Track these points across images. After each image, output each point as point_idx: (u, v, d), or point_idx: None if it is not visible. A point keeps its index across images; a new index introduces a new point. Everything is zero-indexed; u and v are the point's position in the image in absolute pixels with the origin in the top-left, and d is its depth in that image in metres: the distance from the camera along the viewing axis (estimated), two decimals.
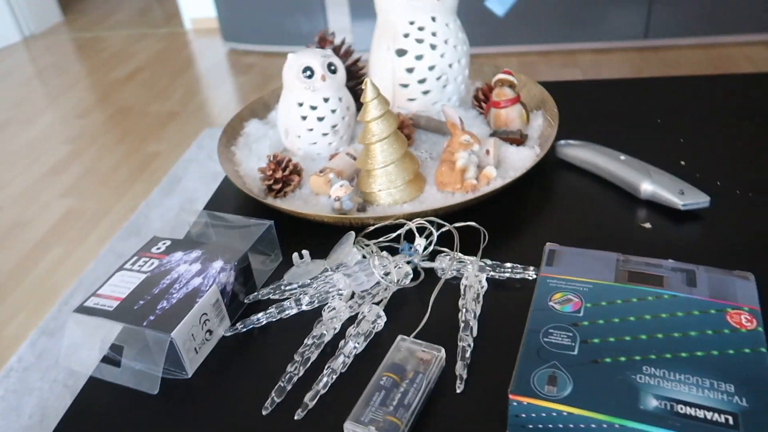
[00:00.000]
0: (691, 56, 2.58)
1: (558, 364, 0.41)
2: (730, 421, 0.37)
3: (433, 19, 0.75)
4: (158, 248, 0.58)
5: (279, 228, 0.68)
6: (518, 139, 0.74)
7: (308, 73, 0.72)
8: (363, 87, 0.64)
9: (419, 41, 0.75)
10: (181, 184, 2.05)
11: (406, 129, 0.75)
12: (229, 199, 0.76)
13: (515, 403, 0.40)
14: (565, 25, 2.66)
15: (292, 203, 0.69)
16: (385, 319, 0.53)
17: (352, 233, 0.60)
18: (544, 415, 0.39)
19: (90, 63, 3.41)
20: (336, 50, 0.84)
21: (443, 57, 0.76)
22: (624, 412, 0.38)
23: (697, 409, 0.38)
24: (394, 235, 0.61)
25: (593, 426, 0.38)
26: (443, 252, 0.59)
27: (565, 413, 0.39)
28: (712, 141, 0.75)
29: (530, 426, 0.41)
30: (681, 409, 0.38)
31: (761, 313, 0.44)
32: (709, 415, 0.37)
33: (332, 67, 0.73)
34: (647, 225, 0.62)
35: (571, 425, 0.39)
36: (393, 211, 0.65)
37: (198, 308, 0.51)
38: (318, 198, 0.69)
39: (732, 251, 0.57)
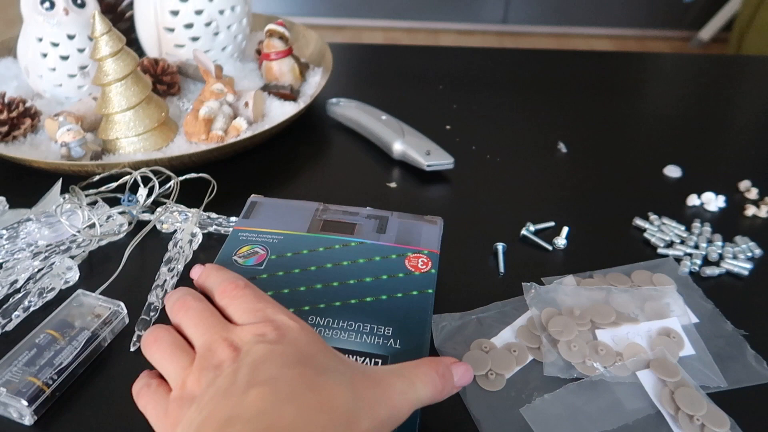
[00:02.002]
0: (543, 43, 2.70)
1: None
2: (379, 364, 0.37)
3: None
4: None
5: (4, 175, 0.61)
6: (287, 94, 0.70)
7: (47, 4, 0.64)
8: (90, 20, 0.57)
9: None
10: None
11: (168, 76, 0.69)
12: None
13: None
14: (430, 2, 2.68)
15: (19, 149, 0.62)
16: (77, 272, 0.48)
17: (60, 180, 0.54)
18: None
19: None
20: None
21: (212, 2, 0.70)
22: None
23: (351, 356, 0.37)
24: (114, 185, 0.56)
25: None
26: (165, 203, 0.55)
27: None
28: (483, 109, 0.76)
29: None
30: None
31: (439, 256, 0.44)
32: (361, 360, 0.37)
33: (78, 1, 0.66)
34: (392, 184, 0.62)
35: None
36: (124, 159, 0.59)
37: None
38: (51, 144, 0.62)
39: (465, 210, 0.58)
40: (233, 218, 0.53)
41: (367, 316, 0.40)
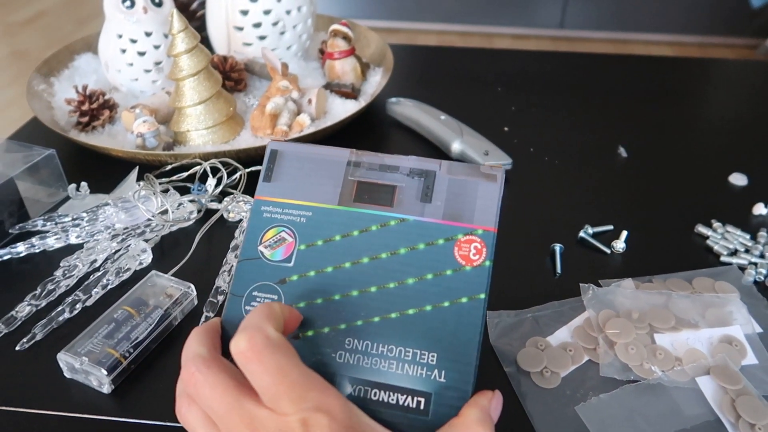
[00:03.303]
0: (601, 48, 2.65)
1: None
2: (421, 405, 0.32)
3: None
4: None
5: (86, 163, 0.65)
6: (349, 93, 0.72)
7: (128, 3, 0.68)
8: (169, 18, 0.60)
9: None
10: None
11: (236, 73, 0.72)
12: (39, 130, 0.71)
13: None
14: (485, 6, 2.67)
15: (98, 138, 0.66)
16: (150, 255, 0.51)
17: (137, 168, 0.57)
18: None
19: None
20: None
21: (280, 2, 0.73)
22: None
23: (392, 393, 0.33)
24: (186, 174, 0.59)
25: None
26: (233, 194, 0.57)
27: None
28: (541, 112, 0.76)
29: None
30: (375, 395, 0.33)
31: (495, 236, 0.35)
32: (402, 399, 0.32)
33: (156, 0, 0.69)
34: None
35: None
36: (194, 151, 0.62)
37: None
38: (126, 134, 0.66)
39: (522, 211, 0.58)
40: None
41: (409, 337, 0.34)
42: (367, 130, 0.72)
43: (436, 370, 0.33)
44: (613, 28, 2.67)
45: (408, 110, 0.71)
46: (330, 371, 0.33)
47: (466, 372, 0.33)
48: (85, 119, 0.66)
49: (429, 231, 0.36)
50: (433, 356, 0.33)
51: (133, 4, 0.68)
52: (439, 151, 0.67)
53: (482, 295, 0.34)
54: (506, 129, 0.72)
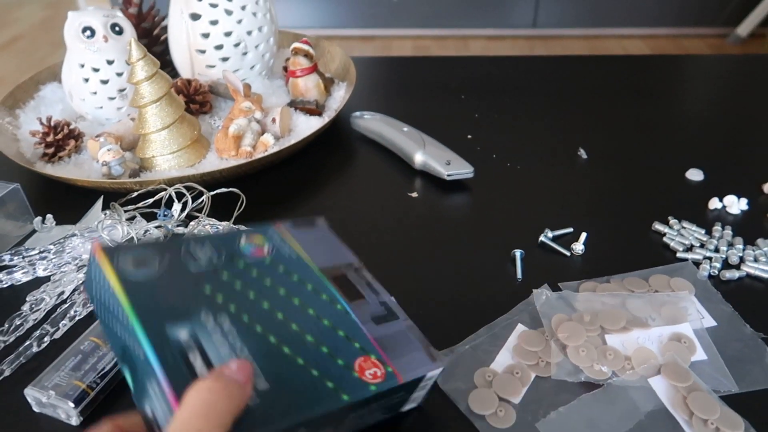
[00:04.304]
0: (574, 46, 2.68)
1: None
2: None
3: None
4: None
5: (53, 193, 0.65)
6: (314, 109, 0.73)
7: (88, 33, 0.69)
8: (128, 47, 0.61)
9: (213, 5, 0.73)
10: None
11: (200, 95, 0.73)
12: (4, 163, 0.71)
13: None
14: (459, 9, 2.70)
15: (64, 168, 0.66)
16: None
17: (102, 197, 0.58)
18: None
19: None
20: (140, 14, 0.80)
21: (240, 23, 0.74)
22: None
23: None
24: (151, 200, 0.59)
25: None
26: (198, 217, 0.58)
27: None
28: (504, 118, 0.78)
29: None
30: None
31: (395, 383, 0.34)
32: None
33: (117, 28, 0.70)
34: (414, 194, 0.64)
35: None
36: (159, 176, 0.63)
37: None
38: (93, 163, 0.66)
39: (484, 217, 0.59)
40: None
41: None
42: (333, 146, 0.73)
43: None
44: (587, 24, 2.70)
45: (371, 124, 0.72)
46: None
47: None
48: (51, 150, 0.66)
49: (351, 329, 0.36)
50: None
51: (93, 34, 0.69)
52: (403, 163, 0.68)
53: (345, 397, 0.32)
54: (470, 137, 0.73)
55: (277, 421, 0.29)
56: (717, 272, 0.51)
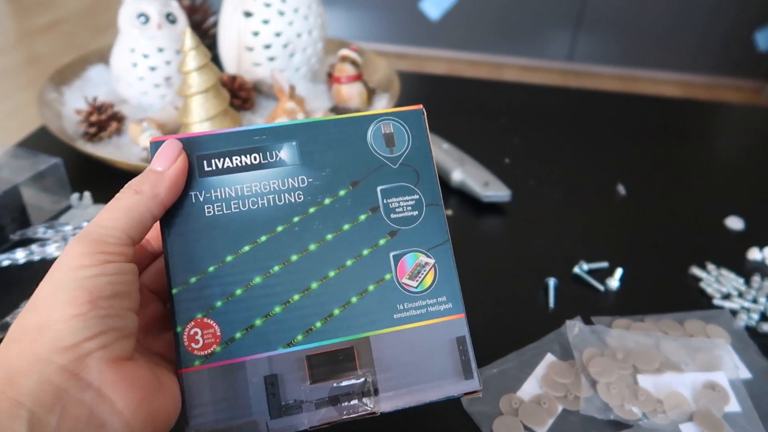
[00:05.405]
0: (608, 84, 2.68)
1: None
2: None
3: None
4: None
5: (91, 173, 0.65)
6: None
7: (143, 19, 0.70)
8: (182, 36, 0.62)
9: (267, 5, 0.73)
10: None
11: (244, 92, 0.74)
12: (47, 138, 0.72)
13: None
14: (495, 36, 2.71)
15: (104, 149, 0.67)
16: None
17: None
18: None
19: (11, 6, 3.22)
20: (193, 7, 0.81)
21: (291, 25, 0.75)
22: None
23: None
24: None
25: None
26: None
27: None
28: (544, 146, 0.77)
29: None
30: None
31: None
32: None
33: (171, 17, 0.71)
34: (449, 212, 0.63)
35: None
36: None
37: None
38: (132, 146, 0.67)
39: (518, 243, 0.59)
40: None
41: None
42: None
43: None
44: (622, 63, 2.70)
45: None
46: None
47: None
48: (93, 130, 0.67)
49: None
50: None
51: (147, 20, 0.70)
52: (440, 180, 0.68)
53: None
54: (508, 161, 0.73)
55: None
56: (755, 323, 0.50)
